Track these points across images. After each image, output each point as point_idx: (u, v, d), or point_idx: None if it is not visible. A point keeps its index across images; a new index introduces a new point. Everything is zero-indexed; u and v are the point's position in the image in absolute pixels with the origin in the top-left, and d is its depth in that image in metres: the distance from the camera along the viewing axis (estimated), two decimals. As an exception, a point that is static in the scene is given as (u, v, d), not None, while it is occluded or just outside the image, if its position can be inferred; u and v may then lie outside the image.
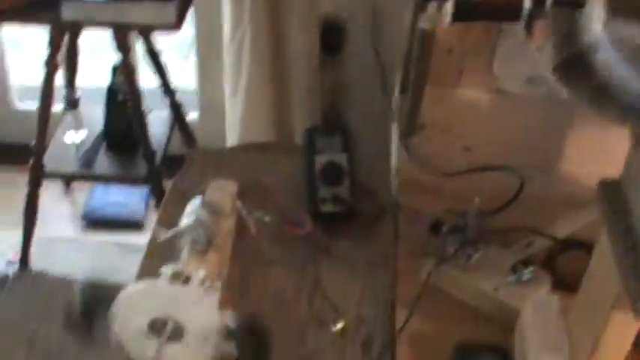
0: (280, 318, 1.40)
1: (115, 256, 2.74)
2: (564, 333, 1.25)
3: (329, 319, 1.40)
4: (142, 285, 1.14)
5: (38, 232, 2.71)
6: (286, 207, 1.53)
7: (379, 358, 1.34)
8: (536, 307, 1.30)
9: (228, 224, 1.38)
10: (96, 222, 3.00)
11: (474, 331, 1.35)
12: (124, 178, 2.67)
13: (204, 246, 1.26)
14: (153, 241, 1.46)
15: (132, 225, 2.97)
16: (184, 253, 1.23)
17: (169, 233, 1.27)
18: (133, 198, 3.01)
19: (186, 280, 1.17)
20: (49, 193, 2.82)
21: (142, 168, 2.54)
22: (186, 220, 1.31)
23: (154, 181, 2.51)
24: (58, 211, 3.04)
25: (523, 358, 1.27)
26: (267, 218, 1.47)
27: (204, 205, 1.33)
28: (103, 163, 2.61)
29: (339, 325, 1.39)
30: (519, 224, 1.49)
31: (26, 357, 1.35)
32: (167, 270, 1.19)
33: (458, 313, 1.40)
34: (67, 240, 2.91)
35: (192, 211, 1.33)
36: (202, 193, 1.39)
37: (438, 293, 1.42)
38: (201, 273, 1.20)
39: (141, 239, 2.72)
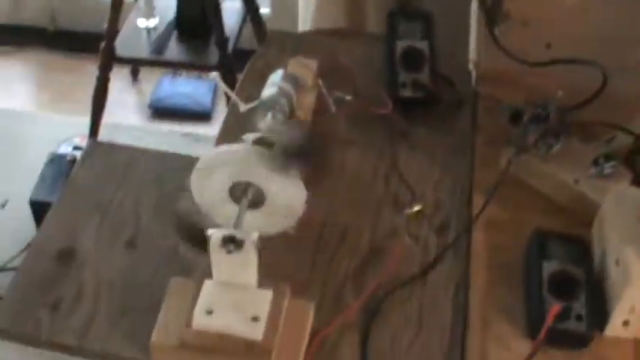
0: (356, 196, 1.40)
1: (181, 145, 2.75)
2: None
3: (405, 201, 1.39)
4: (223, 149, 1.13)
5: (104, 120, 2.73)
6: (365, 88, 1.51)
7: (454, 243, 1.32)
8: (619, 200, 1.28)
9: (309, 99, 1.37)
10: (162, 111, 3.02)
11: (550, 222, 1.34)
12: (195, 64, 2.66)
13: (287, 116, 1.25)
14: (230, 115, 1.46)
15: (198, 116, 2.98)
16: (267, 120, 1.22)
17: (252, 103, 1.25)
18: (200, 89, 3.02)
19: (270, 146, 1.15)
20: (117, 83, 2.84)
21: (213, 56, 2.53)
22: (268, 91, 1.29)
23: (225, 68, 2.51)
24: (124, 101, 3.06)
25: (602, 250, 1.26)
26: (347, 97, 1.45)
27: (287, 76, 1.31)
28: (174, 49, 2.60)
29: (416, 208, 1.38)
30: (601, 120, 1.46)
31: (100, 223, 1.36)
32: (249, 136, 1.17)
33: (535, 203, 1.39)
34: (133, 128, 2.92)
35: (273, 82, 1.31)
36: (284, 67, 1.37)
37: (517, 182, 1.41)
38: (284, 140, 1.19)
39: (207, 130, 2.73)
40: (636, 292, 1.18)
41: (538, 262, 1.25)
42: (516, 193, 1.39)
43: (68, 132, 2.78)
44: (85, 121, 2.70)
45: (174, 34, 2.66)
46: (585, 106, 1.49)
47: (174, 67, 2.87)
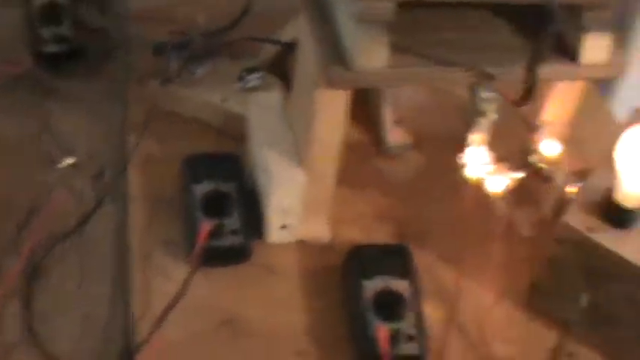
0: (7, 163, 1.34)
1: None
2: (287, 126, 1.22)
3: (58, 157, 1.34)
4: None
5: None
6: (4, 50, 1.45)
7: (111, 186, 1.28)
8: (260, 106, 1.27)
9: None
10: None
11: (206, 145, 1.32)
12: None
13: None
14: None
15: None
16: None
17: None
18: None
19: None
20: None
21: None
22: None
23: None
24: None
25: (253, 159, 1.24)
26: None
27: None
28: None
29: (69, 161, 1.33)
30: (247, 35, 1.44)
31: None
32: None
33: (189, 130, 1.36)
34: None
35: None
36: None
37: (168, 114, 1.38)
38: None
39: None
40: (282, 194, 1.18)
41: (188, 187, 1.22)
42: (169, 125, 1.37)
43: None
44: None
45: None
46: (233, 28, 1.47)
47: None
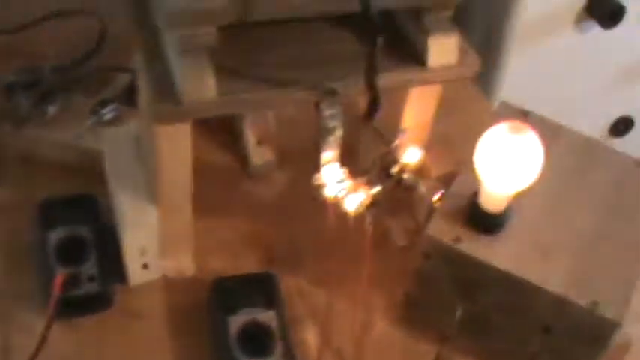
0: None
1: None
2: (141, 160, 1.17)
3: None
4: None
5: None
6: None
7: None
8: (113, 142, 1.22)
9: None
10: None
11: (67, 187, 1.25)
12: None
13: None
14: None
15: None
16: None
17: None
18: None
19: None
20: None
21: None
22: None
23: None
24: None
25: (110, 198, 1.19)
26: None
27: None
28: None
29: None
30: (102, 66, 1.39)
31: None
32: None
33: (48, 172, 1.30)
34: None
35: None
36: None
37: (24, 158, 1.31)
38: None
39: None
40: (137, 233, 1.13)
41: (43, 234, 1.16)
42: (24, 169, 1.30)
43: None
44: None
45: None
46: (87, 60, 1.42)
47: None
